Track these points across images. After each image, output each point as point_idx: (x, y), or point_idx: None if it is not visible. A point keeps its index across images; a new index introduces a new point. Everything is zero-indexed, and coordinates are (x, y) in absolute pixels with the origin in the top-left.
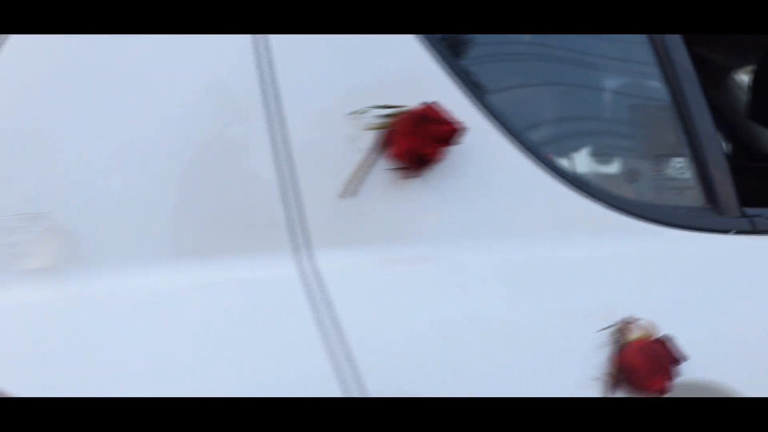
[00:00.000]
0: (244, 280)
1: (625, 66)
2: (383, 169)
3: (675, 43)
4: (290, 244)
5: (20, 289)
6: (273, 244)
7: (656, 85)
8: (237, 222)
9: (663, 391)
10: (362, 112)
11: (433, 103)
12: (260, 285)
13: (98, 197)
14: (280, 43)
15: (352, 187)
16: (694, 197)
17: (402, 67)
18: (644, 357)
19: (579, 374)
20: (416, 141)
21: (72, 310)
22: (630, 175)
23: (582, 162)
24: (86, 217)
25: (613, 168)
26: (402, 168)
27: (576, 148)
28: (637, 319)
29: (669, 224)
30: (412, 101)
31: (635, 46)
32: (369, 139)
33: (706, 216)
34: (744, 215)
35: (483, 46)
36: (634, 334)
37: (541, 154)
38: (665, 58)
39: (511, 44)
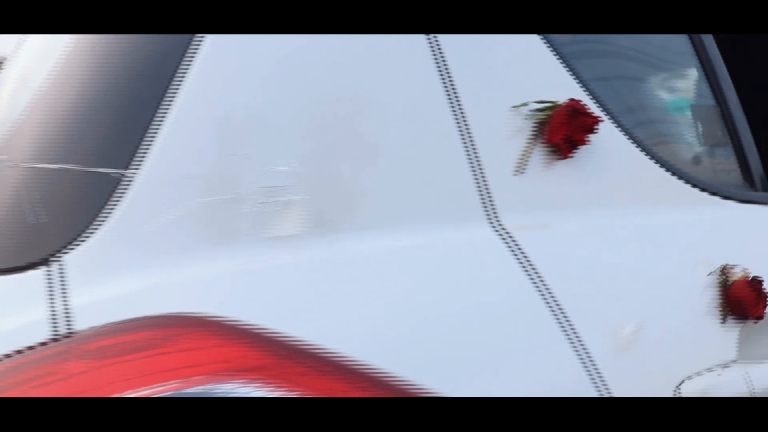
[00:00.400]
0: (457, 242)
1: (687, 72)
2: (542, 152)
3: (715, 54)
4: (483, 212)
5: (268, 254)
6: (469, 212)
7: (707, 88)
8: (441, 194)
9: (762, 317)
10: (523, 105)
11: (576, 99)
12: (470, 245)
13: (328, 174)
14: (447, 43)
15: (522, 165)
16: (737, 177)
17: (532, 64)
18: (751, 291)
19: (701, 307)
20: (570, 129)
21: (313, 271)
22: (695, 160)
23: (661, 148)
24: (320, 191)
25: (683, 153)
26: (557, 151)
27: (657, 136)
28: (733, 265)
29: (727, 197)
30: (545, 96)
31: (690, 57)
32: (531, 127)
33: (748, 192)
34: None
35: (575, 45)
36: (737, 276)
37: (641, 142)
38: (709, 68)
39: (599, 43)
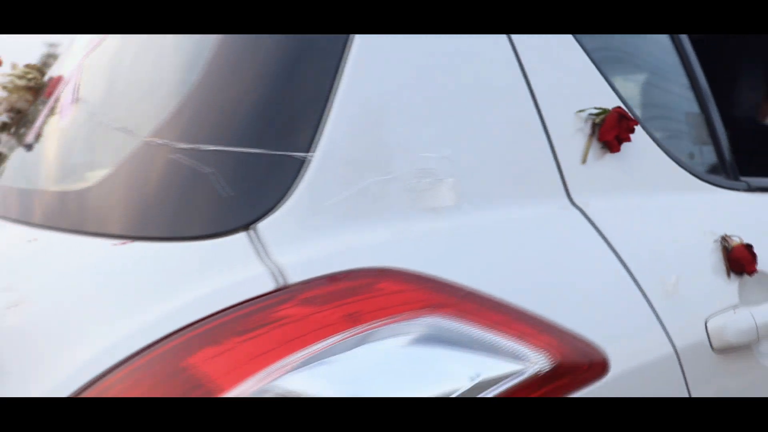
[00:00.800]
0: (552, 213)
1: (672, 77)
2: (597, 147)
3: (695, 62)
4: (563, 191)
5: (420, 223)
6: (553, 191)
7: (692, 95)
8: (534, 177)
9: (755, 272)
10: (582, 111)
11: (619, 106)
12: (561, 216)
13: (462, 159)
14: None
15: (584, 156)
16: (717, 169)
17: (573, 70)
18: (747, 253)
19: (712, 265)
20: (618, 130)
21: (458, 234)
22: (690, 155)
23: (667, 143)
24: (459, 173)
25: (682, 149)
26: (608, 147)
27: (662, 133)
28: (731, 235)
29: (715, 185)
30: (587, 99)
31: (675, 62)
32: (589, 127)
33: (725, 180)
34: (740, 180)
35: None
36: (735, 242)
37: (657, 140)
38: (693, 78)
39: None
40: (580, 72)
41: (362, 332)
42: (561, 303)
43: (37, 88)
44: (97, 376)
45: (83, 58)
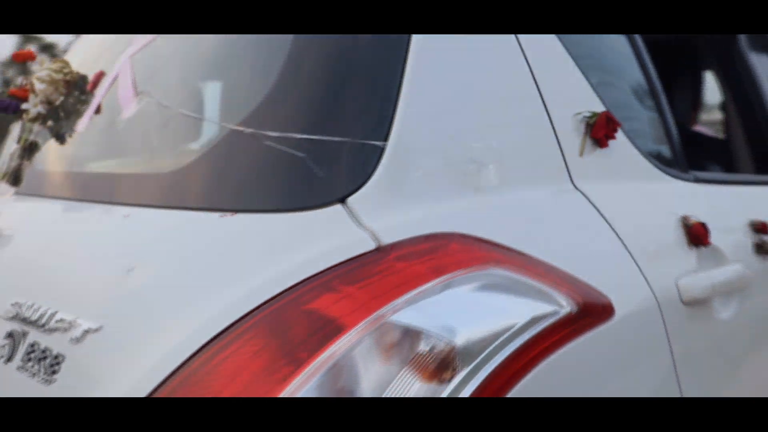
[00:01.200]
0: (562, 194)
1: (642, 86)
2: (590, 143)
3: (652, 71)
4: (568, 177)
5: (470, 199)
6: (560, 177)
7: (651, 99)
8: (546, 165)
9: (709, 244)
10: (579, 113)
11: (607, 110)
12: (569, 197)
13: (501, 148)
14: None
15: (581, 150)
16: (672, 163)
17: (561, 75)
18: (704, 230)
19: (677, 239)
20: (607, 130)
21: (497, 209)
22: (651, 150)
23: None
24: (498, 160)
25: (645, 146)
26: (598, 143)
27: (631, 133)
28: (689, 215)
29: (672, 176)
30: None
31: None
32: (584, 127)
33: (679, 172)
34: (689, 172)
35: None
36: (693, 221)
37: (632, 139)
38: (651, 85)
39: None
40: (573, 78)
41: (445, 281)
42: (573, 261)
43: (72, 81)
44: (228, 326)
45: (131, 55)
